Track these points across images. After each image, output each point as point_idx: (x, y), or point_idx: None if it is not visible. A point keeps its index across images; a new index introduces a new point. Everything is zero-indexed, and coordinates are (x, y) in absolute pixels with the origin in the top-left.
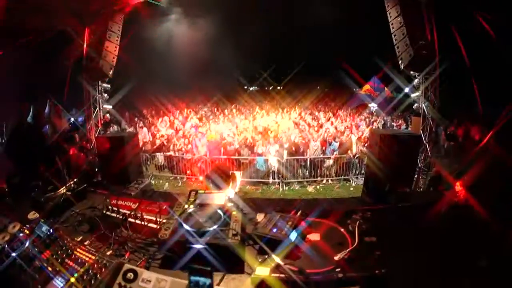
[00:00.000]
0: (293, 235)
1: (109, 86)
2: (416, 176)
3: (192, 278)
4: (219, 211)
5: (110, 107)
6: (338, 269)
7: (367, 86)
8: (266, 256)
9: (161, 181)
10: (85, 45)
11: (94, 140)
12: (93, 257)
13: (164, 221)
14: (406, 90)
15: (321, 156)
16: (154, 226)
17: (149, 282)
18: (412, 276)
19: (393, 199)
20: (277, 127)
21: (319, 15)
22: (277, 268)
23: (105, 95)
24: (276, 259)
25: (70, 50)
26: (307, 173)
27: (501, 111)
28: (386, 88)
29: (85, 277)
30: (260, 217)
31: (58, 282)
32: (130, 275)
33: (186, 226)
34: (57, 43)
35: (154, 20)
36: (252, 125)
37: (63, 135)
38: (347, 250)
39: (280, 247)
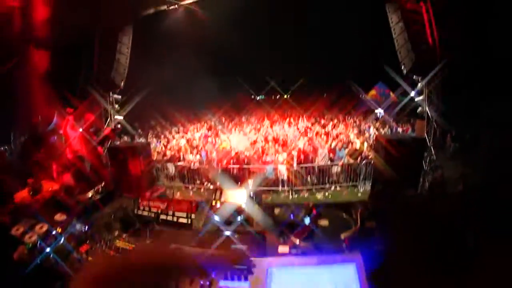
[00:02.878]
0: (307, 220)
1: (120, 97)
2: (421, 179)
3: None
4: (243, 205)
5: (121, 118)
6: (344, 245)
7: (373, 92)
8: (286, 237)
9: (172, 191)
10: (95, 58)
11: (105, 151)
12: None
13: (193, 216)
14: (412, 94)
15: (329, 163)
16: (185, 221)
17: None
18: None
19: (399, 201)
20: (285, 136)
21: (324, 24)
22: (295, 246)
23: (116, 106)
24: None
25: (80, 62)
26: (315, 180)
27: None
28: (391, 93)
29: None
30: (276, 210)
31: None
32: None
33: (216, 218)
34: (67, 55)
35: (161, 33)
36: (262, 135)
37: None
38: (351, 231)
39: (297, 229)
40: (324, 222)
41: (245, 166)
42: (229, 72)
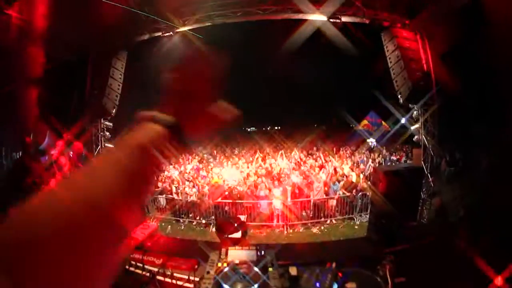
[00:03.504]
0: (335, 287)
1: (111, 124)
2: (420, 207)
3: None
4: (255, 268)
5: (112, 146)
6: None
7: (364, 122)
8: None
9: (163, 224)
10: (88, 82)
11: None
12: None
13: (197, 279)
14: (403, 121)
15: (325, 196)
16: (188, 285)
17: None
18: None
19: (400, 235)
20: (279, 170)
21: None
22: None
23: (107, 133)
24: None
25: (73, 87)
26: (311, 214)
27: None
28: (383, 122)
29: None
30: (293, 270)
31: None
32: None
33: (226, 286)
34: (60, 77)
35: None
36: (254, 169)
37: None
38: None
39: None
40: (352, 285)
41: (238, 201)
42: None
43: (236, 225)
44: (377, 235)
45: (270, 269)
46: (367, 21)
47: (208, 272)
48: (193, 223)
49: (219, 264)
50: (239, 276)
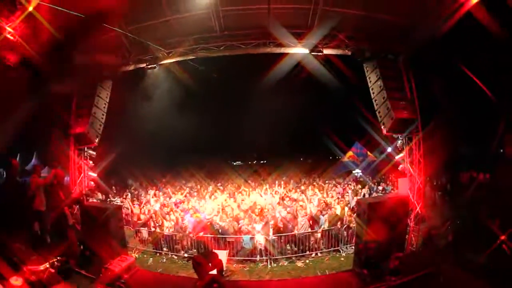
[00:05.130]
0: None
1: (94, 153)
2: (407, 235)
3: None
4: None
5: (95, 175)
6: None
7: (350, 153)
8: None
9: (145, 256)
10: (72, 109)
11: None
12: None
13: None
14: (389, 150)
15: (309, 230)
16: None
17: None
18: None
19: (386, 268)
20: (262, 204)
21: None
22: None
23: (91, 162)
24: None
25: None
26: (295, 248)
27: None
28: (369, 152)
29: None
30: None
31: None
32: None
33: None
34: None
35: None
36: (237, 204)
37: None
38: None
39: None
40: None
41: (220, 236)
42: (207, 136)
43: (210, 264)
44: (362, 268)
45: None
46: (349, 53)
47: None
48: (175, 257)
49: None
50: None
